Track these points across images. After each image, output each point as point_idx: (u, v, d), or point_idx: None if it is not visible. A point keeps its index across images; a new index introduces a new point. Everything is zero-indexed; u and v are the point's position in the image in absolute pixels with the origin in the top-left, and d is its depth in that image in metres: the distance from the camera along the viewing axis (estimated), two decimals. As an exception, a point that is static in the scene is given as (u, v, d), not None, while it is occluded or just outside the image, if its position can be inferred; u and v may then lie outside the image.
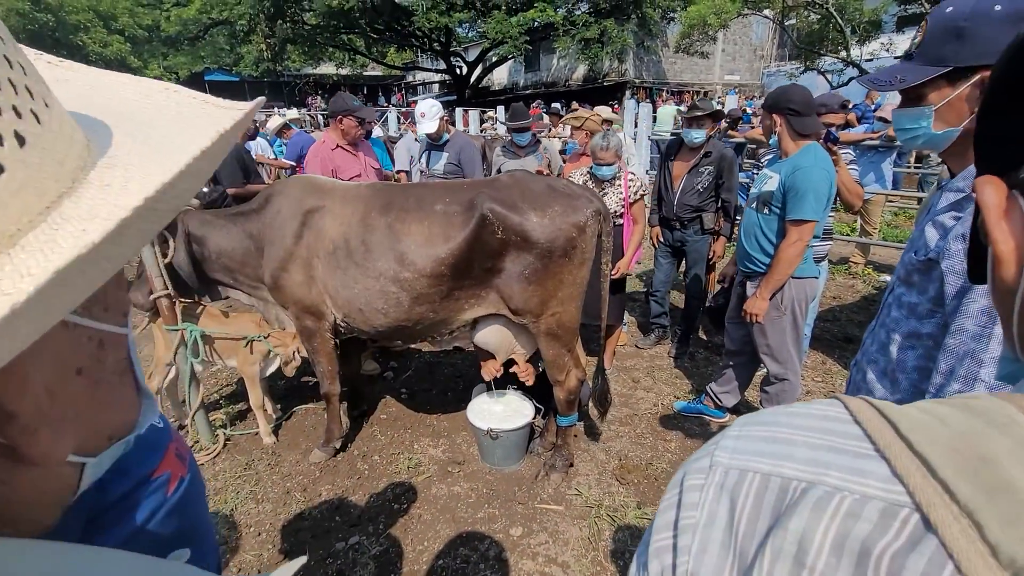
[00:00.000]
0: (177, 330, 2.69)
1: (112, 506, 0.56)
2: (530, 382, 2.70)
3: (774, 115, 2.46)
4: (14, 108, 0.25)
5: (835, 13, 15.74)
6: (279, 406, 3.31)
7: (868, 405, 0.33)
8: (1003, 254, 0.34)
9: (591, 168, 3.24)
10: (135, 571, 0.32)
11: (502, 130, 9.37)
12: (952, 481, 0.26)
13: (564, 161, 4.48)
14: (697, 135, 3.43)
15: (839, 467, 0.30)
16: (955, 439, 0.28)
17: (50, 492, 0.36)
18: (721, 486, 0.34)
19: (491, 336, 2.47)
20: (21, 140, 0.25)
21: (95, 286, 0.28)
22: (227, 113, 0.36)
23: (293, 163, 4.94)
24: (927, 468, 0.27)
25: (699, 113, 3.37)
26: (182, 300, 2.73)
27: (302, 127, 9.90)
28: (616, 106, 17.33)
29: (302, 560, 0.37)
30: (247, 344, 2.78)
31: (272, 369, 2.95)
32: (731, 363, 2.98)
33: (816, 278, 2.63)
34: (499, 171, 4.14)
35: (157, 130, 0.33)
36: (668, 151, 3.76)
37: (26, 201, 0.25)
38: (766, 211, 2.53)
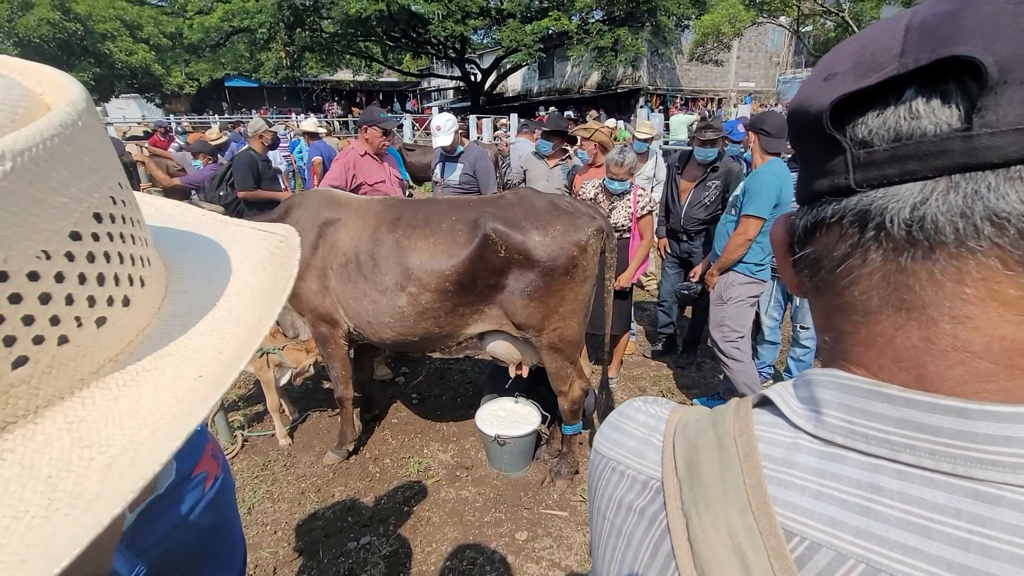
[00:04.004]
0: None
1: (160, 499, 0.65)
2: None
3: (750, 132, 2.86)
4: (142, 258, 0.34)
5: (851, 22, 15.64)
6: (296, 408, 3.42)
7: (680, 409, 0.44)
8: (785, 281, 0.42)
9: (603, 180, 3.31)
10: None
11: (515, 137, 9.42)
12: (679, 461, 0.38)
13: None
14: (710, 153, 3.50)
15: (635, 452, 0.42)
16: (692, 433, 0.39)
17: (111, 535, 0.38)
18: (594, 466, 0.46)
19: (500, 347, 2.55)
20: (143, 282, 0.34)
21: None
22: (263, 237, 0.45)
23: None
24: (673, 452, 0.39)
25: (711, 136, 3.43)
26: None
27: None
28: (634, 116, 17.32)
29: None
30: (262, 355, 2.90)
31: (287, 378, 3.06)
32: None
33: (765, 281, 2.95)
34: (524, 173, 4.24)
35: (217, 259, 0.43)
36: (677, 163, 3.83)
37: (138, 323, 0.33)
38: (732, 212, 2.91)
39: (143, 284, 0.33)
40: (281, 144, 7.10)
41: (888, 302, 0.31)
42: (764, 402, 0.39)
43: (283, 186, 5.98)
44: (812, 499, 0.32)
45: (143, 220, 0.36)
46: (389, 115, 3.83)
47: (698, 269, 3.47)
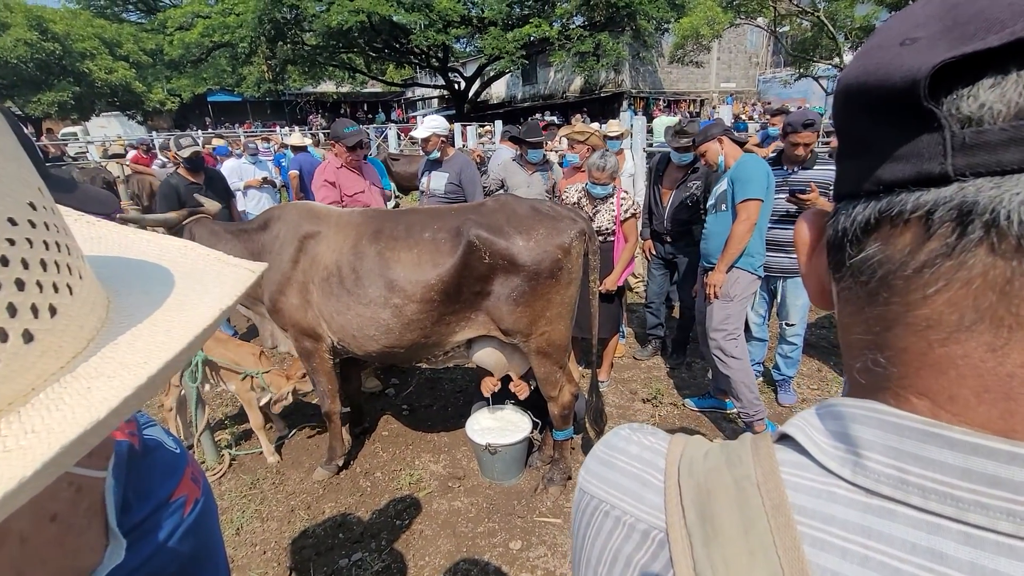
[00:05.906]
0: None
1: (136, 526, 0.63)
2: (523, 396, 2.77)
3: (718, 139, 2.97)
4: (54, 285, 0.30)
5: (827, 21, 15.93)
6: (284, 424, 3.37)
7: (680, 440, 0.39)
8: (808, 289, 0.37)
9: (586, 185, 3.32)
10: None
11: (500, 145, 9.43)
12: (687, 508, 0.33)
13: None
14: (685, 157, 3.53)
15: (633, 494, 0.37)
16: (703, 474, 0.34)
17: None
18: (581, 508, 0.41)
19: (487, 356, 2.53)
20: (53, 311, 0.29)
21: (101, 438, 0.28)
22: (235, 273, 0.40)
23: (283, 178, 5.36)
24: (679, 496, 0.34)
25: (685, 142, 3.47)
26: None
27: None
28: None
29: None
30: (244, 378, 2.87)
31: (268, 399, 3.00)
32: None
33: (760, 278, 2.97)
34: (503, 184, 4.23)
35: (171, 291, 0.37)
36: (657, 166, 3.85)
37: (45, 365, 0.28)
38: (723, 207, 2.91)
39: (31, 339, 0.28)
40: (264, 157, 7.06)
41: (985, 316, 0.26)
42: (782, 438, 0.34)
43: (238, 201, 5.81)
44: (857, 566, 0.27)
45: (75, 268, 0.31)
46: (355, 128, 3.76)
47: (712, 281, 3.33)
